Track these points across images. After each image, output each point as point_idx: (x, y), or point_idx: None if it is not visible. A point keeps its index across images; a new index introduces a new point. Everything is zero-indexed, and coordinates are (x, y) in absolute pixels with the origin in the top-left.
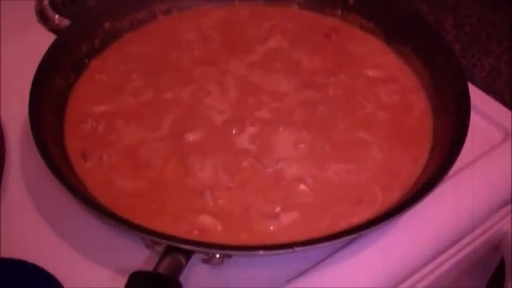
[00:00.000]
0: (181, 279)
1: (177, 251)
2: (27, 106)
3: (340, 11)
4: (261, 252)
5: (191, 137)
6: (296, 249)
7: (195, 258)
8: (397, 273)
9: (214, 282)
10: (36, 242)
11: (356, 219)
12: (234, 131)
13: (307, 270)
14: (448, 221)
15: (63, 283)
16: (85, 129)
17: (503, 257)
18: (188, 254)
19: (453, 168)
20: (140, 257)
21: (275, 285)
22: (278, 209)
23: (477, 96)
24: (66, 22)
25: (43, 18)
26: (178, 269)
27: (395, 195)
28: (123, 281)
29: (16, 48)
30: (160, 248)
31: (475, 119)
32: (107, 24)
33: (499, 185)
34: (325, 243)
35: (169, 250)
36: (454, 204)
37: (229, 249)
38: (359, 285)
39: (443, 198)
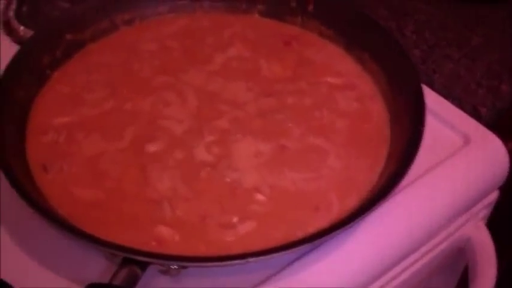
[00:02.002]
0: None
1: (134, 262)
2: None
3: (300, 18)
4: (216, 263)
5: (151, 147)
6: (250, 260)
7: (152, 269)
8: (358, 279)
9: None
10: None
11: (312, 228)
12: (193, 142)
13: (267, 278)
14: (409, 227)
15: None
16: (46, 141)
17: (467, 263)
18: (144, 266)
19: (413, 174)
20: (99, 267)
21: None
22: (235, 219)
23: (437, 102)
24: (30, 33)
25: (8, 29)
26: (134, 280)
27: (352, 203)
28: None
29: None
30: (118, 259)
31: (435, 125)
32: (69, 36)
33: (460, 190)
34: (279, 254)
35: (125, 262)
36: (415, 209)
37: (184, 260)
38: None
39: (403, 204)
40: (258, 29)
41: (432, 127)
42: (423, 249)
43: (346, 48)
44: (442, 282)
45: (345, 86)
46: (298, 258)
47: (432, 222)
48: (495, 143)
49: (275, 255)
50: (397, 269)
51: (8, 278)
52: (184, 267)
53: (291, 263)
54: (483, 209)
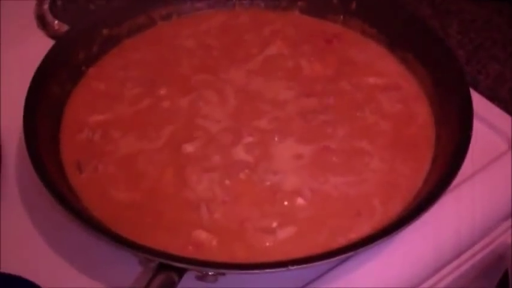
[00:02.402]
0: None
1: (170, 268)
2: None
3: (342, 17)
4: (255, 271)
5: (188, 148)
6: (291, 267)
7: (188, 274)
8: (399, 286)
9: None
10: (29, 255)
11: (355, 234)
12: (231, 142)
13: (306, 284)
14: (451, 234)
15: None
16: (81, 139)
17: (508, 269)
18: (181, 272)
19: (456, 179)
20: (134, 272)
21: None
22: (274, 224)
23: (481, 104)
24: (65, 28)
25: (42, 23)
26: (171, 286)
27: (396, 208)
28: None
29: (15, 53)
30: (153, 265)
31: (478, 128)
32: (105, 31)
33: (503, 195)
34: (321, 262)
35: (161, 267)
36: (457, 215)
37: (223, 267)
38: None
39: (445, 210)
40: (298, 27)
41: (476, 130)
42: (465, 255)
43: (390, 47)
44: (480, 286)
45: (388, 86)
46: (339, 264)
47: (475, 228)
48: None
49: (316, 263)
50: (437, 276)
51: (37, 280)
52: (222, 274)
53: (331, 268)
54: None
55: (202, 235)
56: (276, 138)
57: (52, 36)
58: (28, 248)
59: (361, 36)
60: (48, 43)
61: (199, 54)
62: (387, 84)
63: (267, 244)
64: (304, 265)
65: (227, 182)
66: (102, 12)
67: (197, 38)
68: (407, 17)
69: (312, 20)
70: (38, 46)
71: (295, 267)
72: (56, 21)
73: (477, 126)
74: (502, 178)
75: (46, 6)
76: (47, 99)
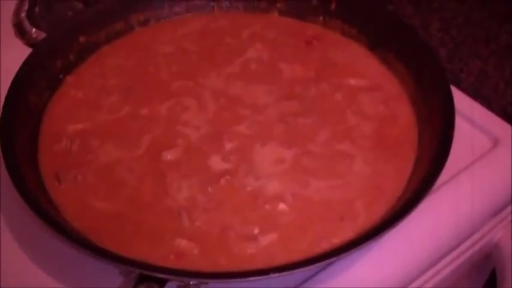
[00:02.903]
0: None
1: (151, 278)
2: None
3: (321, 18)
4: (237, 279)
5: (168, 155)
6: (273, 275)
7: (171, 284)
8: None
9: None
10: (7, 267)
11: (338, 239)
12: (211, 148)
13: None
14: (436, 234)
15: None
16: (59, 149)
17: (495, 267)
18: (162, 282)
19: (440, 178)
20: (116, 282)
21: None
22: (256, 230)
23: (464, 102)
24: (43, 36)
25: (20, 31)
26: None
27: (379, 211)
28: None
29: None
30: (134, 275)
31: (462, 126)
32: (82, 38)
33: (488, 193)
34: (304, 268)
35: (142, 278)
36: (442, 215)
37: (204, 277)
38: None
39: (430, 210)
40: (278, 29)
41: (460, 129)
42: (451, 255)
43: (370, 47)
44: (467, 286)
45: (369, 87)
46: (323, 269)
47: (461, 227)
48: None
49: (298, 270)
50: (423, 277)
51: None
52: (204, 283)
53: (317, 272)
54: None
55: (183, 243)
56: (257, 143)
57: (30, 45)
58: (7, 260)
59: (341, 37)
60: (26, 51)
61: (178, 60)
62: (368, 85)
63: (250, 251)
64: (286, 272)
65: (208, 189)
66: (79, 19)
67: (176, 43)
68: (387, 17)
69: (292, 22)
70: (16, 55)
71: (277, 274)
72: (34, 29)
73: (460, 124)
74: (486, 176)
75: (23, 14)
76: (24, 108)
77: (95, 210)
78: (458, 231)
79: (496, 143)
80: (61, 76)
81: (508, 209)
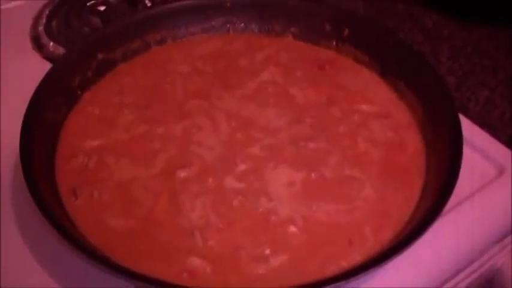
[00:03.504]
0: None
1: None
2: None
3: (334, 43)
4: None
5: (182, 175)
6: None
7: None
8: None
9: None
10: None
11: (346, 263)
12: (225, 169)
13: None
14: (439, 260)
15: None
16: (76, 165)
17: None
18: None
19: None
20: (115, 282)
21: None
22: (268, 251)
23: (471, 130)
24: (60, 50)
25: (38, 45)
26: None
27: (386, 236)
28: None
29: (11, 75)
30: None
31: (469, 154)
32: (100, 55)
33: (493, 221)
34: None
35: None
36: (447, 241)
37: None
38: None
39: (435, 236)
40: (291, 52)
41: (466, 156)
42: (454, 280)
43: (382, 74)
44: None
45: (380, 114)
46: None
47: (465, 253)
48: None
49: None
50: None
51: None
52: None
53: None
54: None
55: (196, 262)
56: (269, 166)
57: (47, 58)
58: (7, 260)
59: (353, 63)
60: (43, 65)
61: (193, 79)
62: (379, 111)
63: (260, 272)
64: None
65: (221, 209)
66: (98, 37)
67: (191, 63)
68: (399, 44)
69: (305, 46)
70: (34, 68)
71: None
72: (52, 43)
73: (467, 152)
74: (491, 204)
75: (41, 28)
76: (43, 124)
77: (110, 227)
78: (462, 256)
79: (501, 171)
80: (79, 92)
81: (510, 237)
